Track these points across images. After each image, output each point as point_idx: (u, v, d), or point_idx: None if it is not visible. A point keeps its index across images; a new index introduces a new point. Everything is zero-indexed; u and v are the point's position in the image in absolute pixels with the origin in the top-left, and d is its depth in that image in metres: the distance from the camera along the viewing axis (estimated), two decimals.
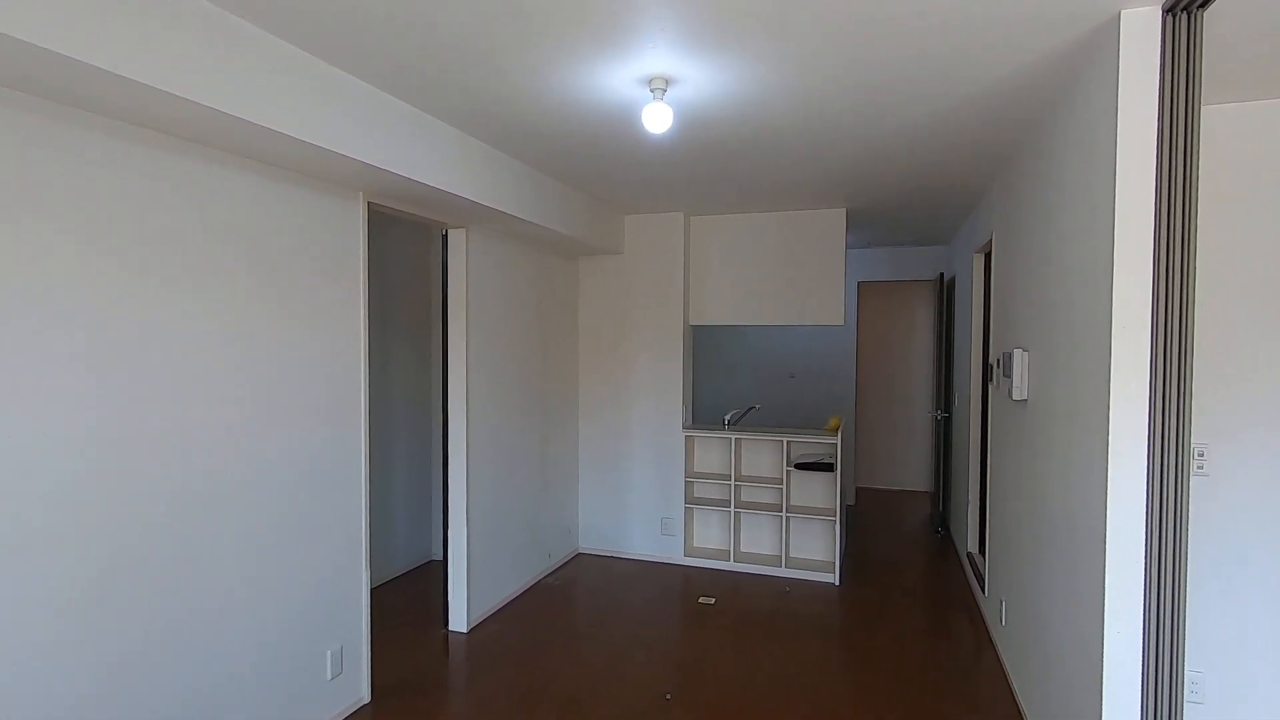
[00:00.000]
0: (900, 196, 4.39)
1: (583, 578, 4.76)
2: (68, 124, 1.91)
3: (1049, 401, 2.68)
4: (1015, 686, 3.19)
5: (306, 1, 1.94)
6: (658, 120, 2.53)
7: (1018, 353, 3.08)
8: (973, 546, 4.81)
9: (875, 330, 7.64)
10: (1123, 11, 1.94)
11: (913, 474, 7.59)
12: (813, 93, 2.60)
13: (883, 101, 2.68)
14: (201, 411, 2.31)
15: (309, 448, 2.75)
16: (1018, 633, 3.18)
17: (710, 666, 3.44)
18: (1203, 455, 2.57)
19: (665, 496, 5.10)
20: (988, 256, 4.54)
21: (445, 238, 3.87)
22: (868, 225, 5.50)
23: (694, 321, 5.24)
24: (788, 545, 4.90)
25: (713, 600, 4.34)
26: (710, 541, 5.19)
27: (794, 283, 4.98)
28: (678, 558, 5.07)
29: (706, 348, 7.40)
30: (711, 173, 3.82)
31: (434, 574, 4.78)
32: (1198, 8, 1.82)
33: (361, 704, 3.05)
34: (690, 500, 5.09)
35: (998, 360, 3.72)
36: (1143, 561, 1.95)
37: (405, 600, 4.31)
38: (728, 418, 5.19)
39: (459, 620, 3.87)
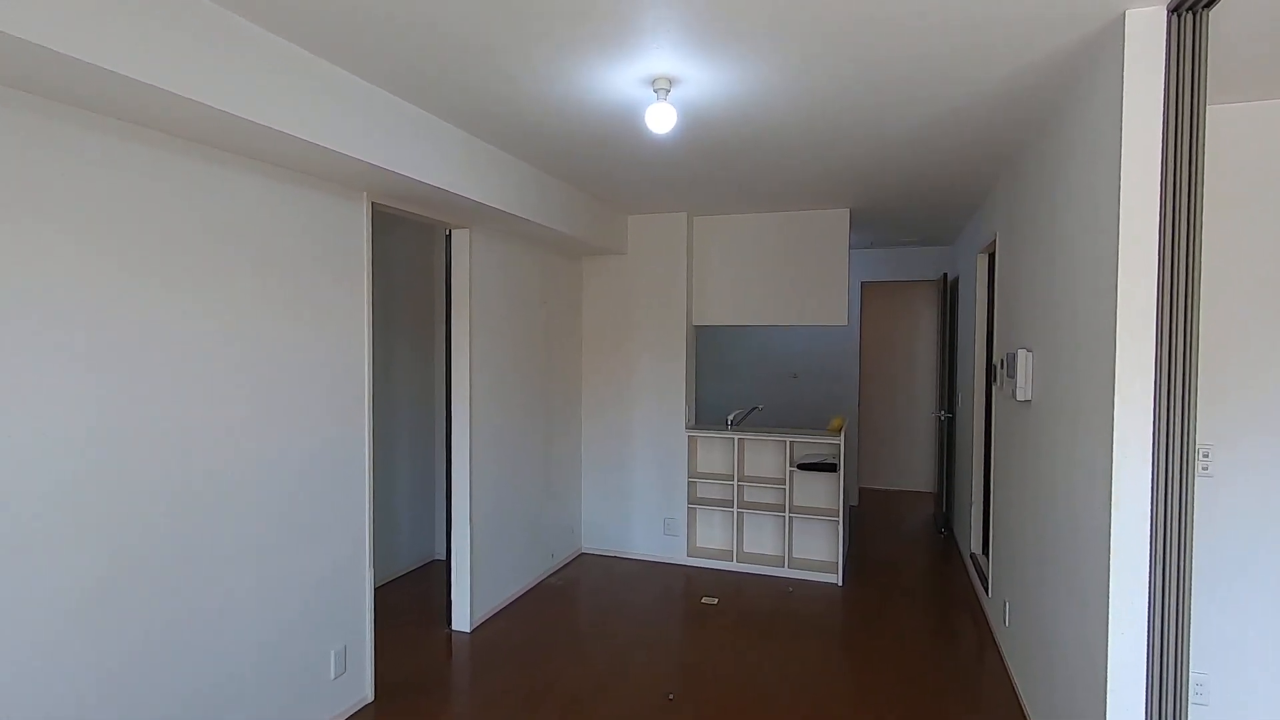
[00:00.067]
0: (903, 196, 4.38)
1: (586, 578, 4.76)
2: (68, 124, 1.91)
3: (1053, 402, 2.66)
4: (1019, 687, 3.17)
5: (306, 1, 1.93)
6: (661, 120, 2.52)
7: (1021, 353, 3.06)
8: (976, 547, 4.79)
9: (878, 331, 7.62)
10: (1127, 11, 1.93)
11: (916, 475, 7.57)
12: (815, 93, 2.59)
13: (885, 101, 2.66)
14: (202, 411, 2.31)
15: (311, 448, 2.75)
16: (1021, 634, 3.16)
17: (713, 667, 3.43)
18: (1207, 456, 2.56)
19: (668, 497, 5.10)
20: (991, 257, 4.52)
21: (449, 238, 3.87)
22: (871, 225, 5.48)
23: (697, 322, 5.23)
24: (790, 546, 4.89)
25: (715, 600, 4.34)
26: (713, 542, 5.18)
27: (797, 283, 4.97)
28: (681, 558, 5.07)
29: (709, 348, 7.40)
30: (714, 173, 3.81)
31: (437, 573, 4.78)
32: (1203, 7, 1.81)
33: (365, 703, 3.05)
34: (693, 500, 5.09)
35: (1001, 361, 3.71)
36: (1147, 562, 1.94)
37: (408, 600, 4.31)
38: (731, 418, 5.18)
39: (462, 620, 3.87)
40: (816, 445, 4.98)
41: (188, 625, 2.28)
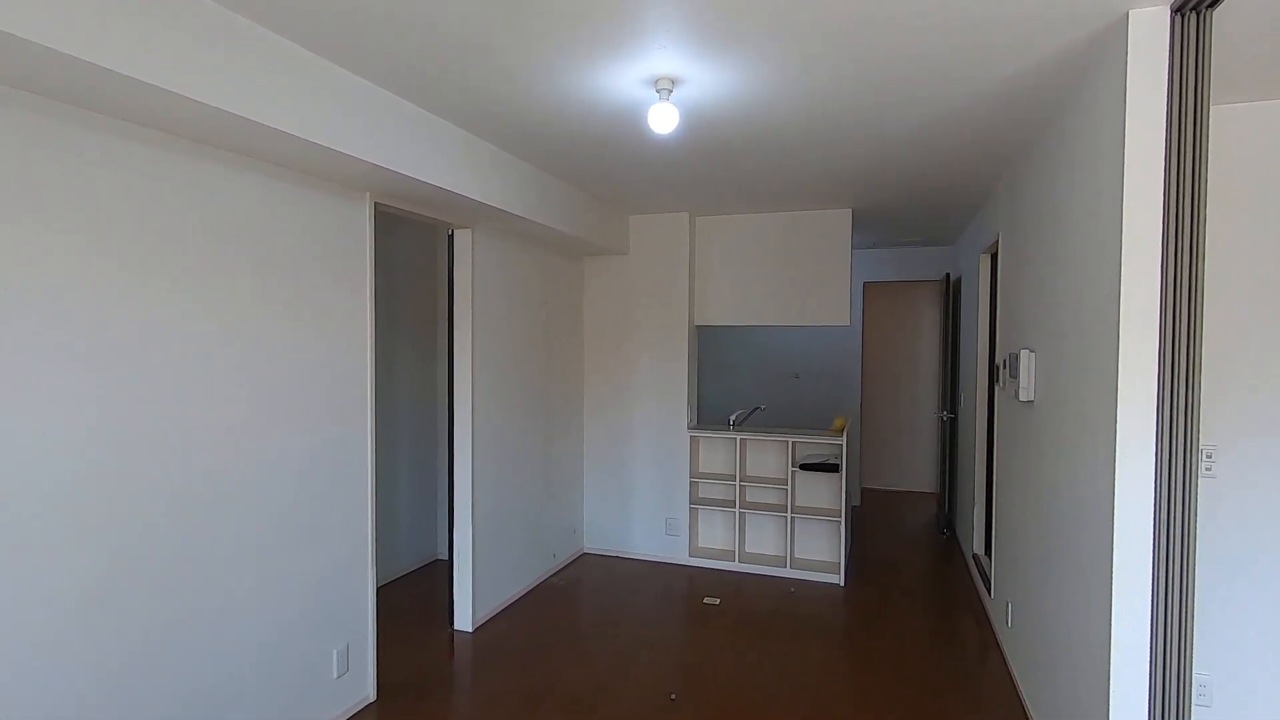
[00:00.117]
0: (905, 197, 4.37)
1: (587, 578, 4.76)
2: (68, 124, 1.91)
3: (1056, 403, 2.66)
4: (1021, 688, 3.16)
5: (307, 0, 1.93)
6: (663, 121, 2.51)
7: (1024, 353, 3.05)
8: (978, 548, 4.78)
9: (880, 331, 7.61)
10: (1131, 11, 1.92)
11: (918, 475, 7.55)
12: (816, 93, 2.58)
13: (886, 101, 2.66)
14: (202, 411, 2.31)
15: (312, 448, 2.75)
16: (1024, 634, 3.15)
17: (715, 667, 3.43)
18: (1211, 457, 2.55)
19: (670, 497, 5.09)
20: (994, 257, 4.51)
21: (451, 237, 3.87)
22: (872, 226, 5.47)
23: (699, 322, 5.22)
24: (792, 546, 4.88)
25: (717, 601, 4.33)
26: (715, 542, 5.18)
27: (799, 283, 4.96)
28: (682, 558, 5.06)
29: (711, 348, 7.39)
30: (716, 173, 3.81)
31: (439, 573, 4.78)
32: (1207, 7, 1.80)
33: (367, 702, 3.05)
34: (695, 500, 5.08)
35: (1004, 361, 3.70)
36: (1151, 563, 1.94)
37: (410, 599, 4.32)
38: (733, 418, 5.17)
39: (464, 619, 3.87)
40: (818, 445, 4.97)
41: (188, 625, 2.28)
